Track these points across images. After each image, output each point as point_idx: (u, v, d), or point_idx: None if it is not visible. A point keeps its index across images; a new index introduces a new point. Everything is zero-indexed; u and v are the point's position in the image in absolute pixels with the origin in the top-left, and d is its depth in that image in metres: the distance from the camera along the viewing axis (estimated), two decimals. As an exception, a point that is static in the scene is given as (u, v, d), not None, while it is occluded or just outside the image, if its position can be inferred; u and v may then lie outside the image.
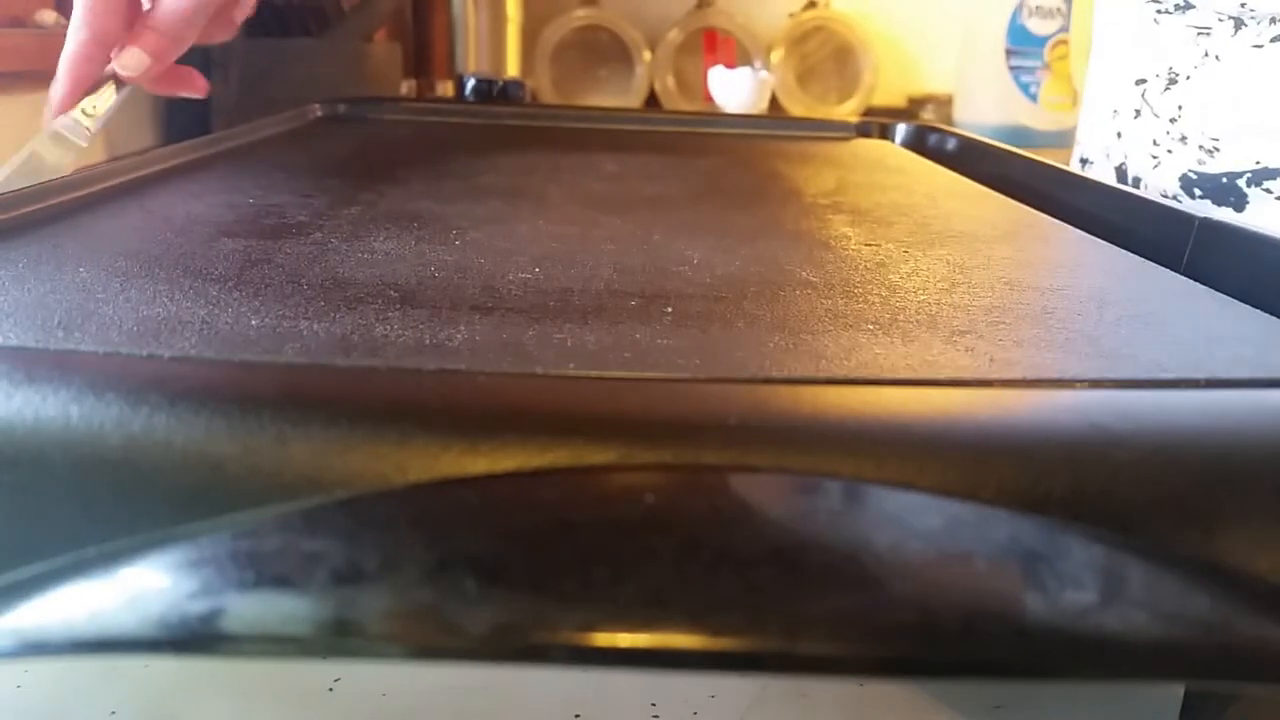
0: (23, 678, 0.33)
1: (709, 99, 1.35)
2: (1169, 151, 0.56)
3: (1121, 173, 0.60)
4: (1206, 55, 0.54)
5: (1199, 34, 0.54)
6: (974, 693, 0.35)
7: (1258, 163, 0.52)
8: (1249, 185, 0.52)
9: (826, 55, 1.55)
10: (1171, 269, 0.38)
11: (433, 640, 0.15)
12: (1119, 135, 0.59)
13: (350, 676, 0.34)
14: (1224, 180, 0.53)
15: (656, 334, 0.26)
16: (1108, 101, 0.61)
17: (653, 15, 1.51)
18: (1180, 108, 0.55)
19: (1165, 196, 0.56)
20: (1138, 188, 0.59)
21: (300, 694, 0.33)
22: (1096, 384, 0.24)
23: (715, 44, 1.51)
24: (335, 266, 0.32)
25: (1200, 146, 0.54)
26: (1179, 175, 0.55)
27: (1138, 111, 0.58)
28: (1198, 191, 0.55)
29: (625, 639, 0.15)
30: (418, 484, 0.18)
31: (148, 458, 0.19)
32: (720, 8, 1.52)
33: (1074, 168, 0.64)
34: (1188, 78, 0.55)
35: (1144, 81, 0.57)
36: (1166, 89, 0.56)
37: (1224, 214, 0.54)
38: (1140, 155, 0.58)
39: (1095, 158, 0.63)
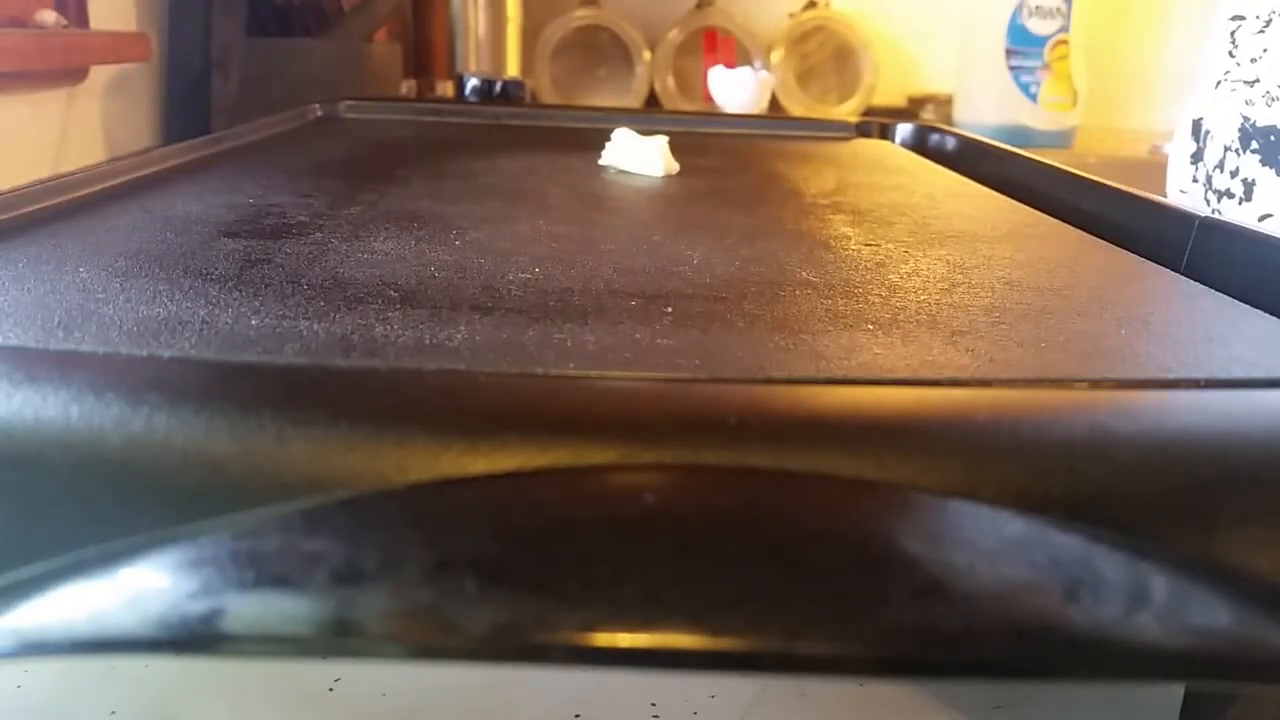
0: (23, 678, 0.33)
1: (709, 99, 1.35)
2: (1232, 90, 0.55)
3: (1196, 126, 0.59)
4: None
5: None
6: (974, 693, 0.35)
7: None
8: None
9: (826, 55, 1.55)
10: (1171, 269, 0.38)
11: (433, 640, 0.15)
12: (1215, 83, 0.58)
13: (350, 676, 0.34)
14: (1272, 138, 0.52)
15: (656, 334, 0.26)
16: (1214, 43, 0.60)
17: (653, 15, 1.51)
18: (1265, 50, 0.54)
19: (1225, 148, 0.55)
20: (1201, 136, 0.57)
21: (300, 694, 0.33)
22: (1096, 384, 0.24)
23: (715, 44, 1.51)
24: (335, 266, 0.32)
25: (1267, 92, 0.53)
26: (1237, 125, 0.54)
27: (1228, 53, 0.57)
28: (1253, 144, 0.54)
29: (625, 639, 0.15)
30: (418, 484, 0.18)
31: (148, 458, 0.19)
32: (720, 8, 1.52)
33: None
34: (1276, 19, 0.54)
35: (1240, 19, 0.56)
36: (1261, 30, 0.54)
37: (1266, 174, 0.53)
38: (1214, 95, 0.57)
39: (1191, 107, 0.61)
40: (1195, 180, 0.59)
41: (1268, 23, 0.54)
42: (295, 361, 0.23)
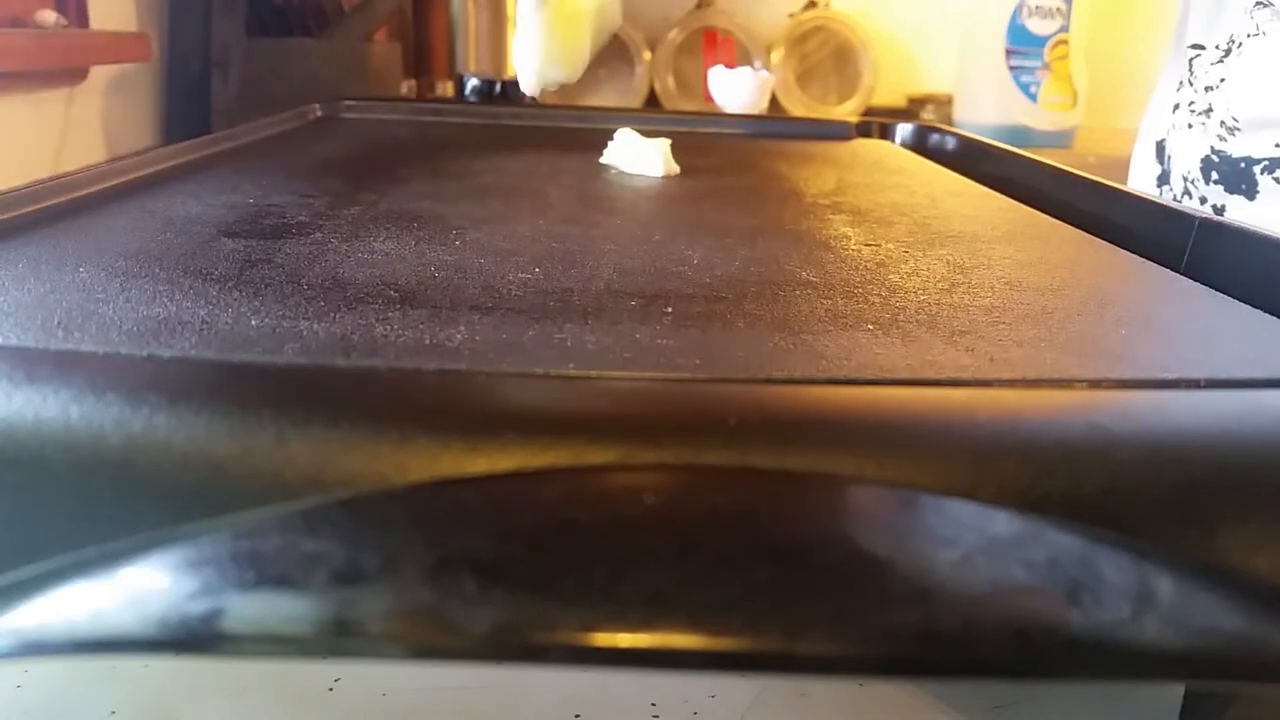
0: (23, 678, 0.33)
1: (709, 99, 1.35)
2: (1189, 126, 0.55)
3: (1160, 147, 0.59)
4: (1256, 32, 0.52)
5: (1258, 5, 0.52)
6: (974, 693, 0.35)
7: (1277, 145, 0.51)
8: (1263, 173, 0.52)
9: (826, 55, 1.55)
10: (1171, 269, 0.38)
11: (433, 640, 0.15)
12: (1173, 106, 0.58)
13: (350, 676, 0.34)
14: (1241, 165, 0.52)
15: (656, 334, 0.26)
16: (1172, 65, 0.60)
17: (653, 15, 1.51)
18: (1223, 80, 0.54)
19: (1184, 179, 0.56)
20: (1165, 159, 0.58)
21: (300, 694, 0.33)
22: (1096, 384, 0.24)
23: (715, 44, 1.51)
24: (335, 266, 0.32)
25: (1222, 123, 0.53)
26: (1200, 155, 0.54)
27: (1184, 82, 0.57)
28: (1214, 175, 0.54)
29: (625, 639, 0.15)
30: (418, 484, 0.18)
31: (148, 458, 0.19)
32: (720, 8, 1.52)
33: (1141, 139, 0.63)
34: (1240, 48, 0.53)
35: (1200, 48, 0.56)
36: (1220, 60, 0.54)
37: (1235, 201, 0.53)
38: (1177, 127, 0.57)
39: (1149, 126, 0.61)
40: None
41: (1226, 52, 0.54)
42: (295, 361, 0.23)
